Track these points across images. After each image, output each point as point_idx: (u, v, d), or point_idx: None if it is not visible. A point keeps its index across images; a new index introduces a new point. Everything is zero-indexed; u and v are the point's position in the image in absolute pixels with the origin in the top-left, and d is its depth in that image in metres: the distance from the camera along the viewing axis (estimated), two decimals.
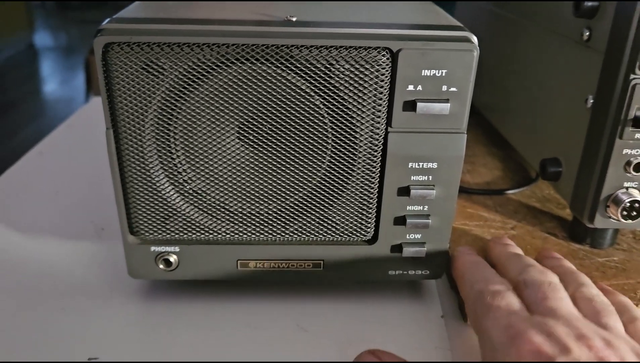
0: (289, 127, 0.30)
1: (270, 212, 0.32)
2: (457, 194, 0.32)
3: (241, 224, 0.33)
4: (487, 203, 0.45)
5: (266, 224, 0.33)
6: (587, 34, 0.36)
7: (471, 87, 0.29)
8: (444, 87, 0.29)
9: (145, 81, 0.29)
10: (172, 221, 0.32)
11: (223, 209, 0.32)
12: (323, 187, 0.32)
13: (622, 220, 0.36)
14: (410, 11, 0.35)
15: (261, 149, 0.31)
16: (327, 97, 0.29)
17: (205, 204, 0.32)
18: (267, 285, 0.36)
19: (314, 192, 0.32)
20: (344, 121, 0.30)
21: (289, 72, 0.29)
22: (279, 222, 0.33)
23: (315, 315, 0.34)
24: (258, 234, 0.33)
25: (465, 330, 0.33)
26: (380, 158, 0.31)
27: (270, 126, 0.30)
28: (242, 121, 0.30)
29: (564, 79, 0.40)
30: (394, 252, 0.33)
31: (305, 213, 0.32)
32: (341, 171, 0.31)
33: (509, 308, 0.27)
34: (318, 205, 0.32)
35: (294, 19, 0.30)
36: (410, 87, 0.29)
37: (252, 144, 0.31)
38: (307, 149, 0.31)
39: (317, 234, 0.33)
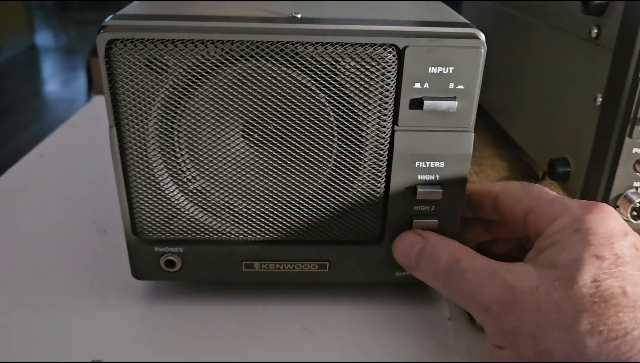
0: (294, 125, 0.30)
1: (276, 212, 0.32)
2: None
3: (246, 225, 0.32)
4: None
5: (271, 225, 0.32)
6: (596, 31, 0.36)
7: (479, 84, 0.29)
8: (451, 85, 0.29)
9: (149, 78, 0.28)
10: (176, 221, 0.32)
11: (227, 209, 0.32)
12: (329, 186, 0.31)
13: (632, 220, 0.35)
14: (417, 8, 0.35)
15: (266, 148, 0.30)
16: (333, 95, 0.29)
17: (209, 204, 0.32)
18: (272, 286, 0.36)
19: (320, 191, 0.31)
20: (350, 119, 0.30)
21: (294, 69, 0.28)
22: (285, 222, 0.32)
23: (321, 317, 0.33)
24: (263, 234, 0.32)
25: (473, 333, 0.33)
26: (386, 157, 0.31)
27: (275, 125, 0.30)
28: (246, 119, 0.30)
29: (572, 77, 0.40)
30: None
31: (310, 212, 0.32)
32: (347, 170, 0.31)
33: None
34: (323, 205, 0.32)
35: (299, 16, 0.30)
36: (417, 85, 0.29)
37: (256, 142, 0.30)
38: (312, 148, 0.30)
39: (322, 234, 0.32)
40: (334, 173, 0.31)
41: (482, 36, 0.29)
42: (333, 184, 0.31)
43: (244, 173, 0.31)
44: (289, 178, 0.31)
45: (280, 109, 0.29)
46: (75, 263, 0.38)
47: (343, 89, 0.29)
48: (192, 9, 0.32)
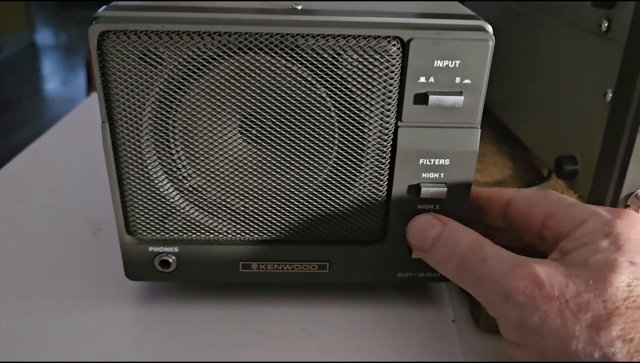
0: (293, 121, 0.29)
1: (274, 211, 0.31)
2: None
3: (243, 224, 0.31)
4: None
5: (269, 224, 0.31)
6: (606, 24, 0.35)
7: (486, 78, 0.28)
8: (458, 79, 0.28)
9: (143, 72, 0.27)
10: (171, 220, 0.31)
11: (224, 208, 0.31)
12: (329, 184, 0.30)
13: None
14: (422, 0, 0.34)
15: (264, 145, 0.29)
16: (334, 89, 0.28)
17: (205, 203, 0.31)
18: (271, 287, 0.35)
19: (320, 190, 0.30)
20: (352, 115, 0.28)
21: (294, 62, 0.27)
22: (283, 221, 0.31)
23: (321, 320, 0.32)
24: (261, 234, 0.31)
25: (478, 335, 0.32)
26: (389, 154, 0.29)
27: (274, 120, 0.29)
28: (244, 114, 0.29)
29: (580, 72, 0.39)
30: (403, 253, 0.32)
31: (310, 211, 0.31)
32: (348, 168, 0.30)
33: None
34: (324, 203, 0.31)
35: (299, 7, 0.29)
36: (422, 79, 0.28)
37: (255, 139, 0.29)
38: (312, 145, 0.29)
39: (323, 234, 0.31)
40: (334, 171, 0.30)
41: (489, 29, 0.28)
42: (334, 182, 0.30)
43: (241, 170, 0.30)
44: (288, 176, 0.30)
45: (279, 104, 0.28)
46: (68, 262, 0.37)
47: (345, 83, 0.28)
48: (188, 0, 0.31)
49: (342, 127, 0.29)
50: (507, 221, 0.31)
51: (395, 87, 0.28)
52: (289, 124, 0.29)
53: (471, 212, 0.32)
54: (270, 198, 0.31)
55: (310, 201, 0.31)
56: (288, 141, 0.29)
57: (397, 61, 0.27)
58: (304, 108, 0.28)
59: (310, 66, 0.27)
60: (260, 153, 0.30)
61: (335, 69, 0.27)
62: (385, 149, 0.29)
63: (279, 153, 0.29)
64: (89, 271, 0.36)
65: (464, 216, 0.31)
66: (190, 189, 0.30)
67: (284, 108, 0.28)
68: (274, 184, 0.30)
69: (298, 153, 0.29)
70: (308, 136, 0.29)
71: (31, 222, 0.42)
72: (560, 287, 0.24)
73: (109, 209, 0.37)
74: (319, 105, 0.28)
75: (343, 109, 0.28)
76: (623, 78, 0.33)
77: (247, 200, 0.31)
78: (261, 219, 0.31)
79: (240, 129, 0.29)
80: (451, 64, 0.27)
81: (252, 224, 0.31)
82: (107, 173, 0.30)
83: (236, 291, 0.34)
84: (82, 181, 0.48)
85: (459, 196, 0.30)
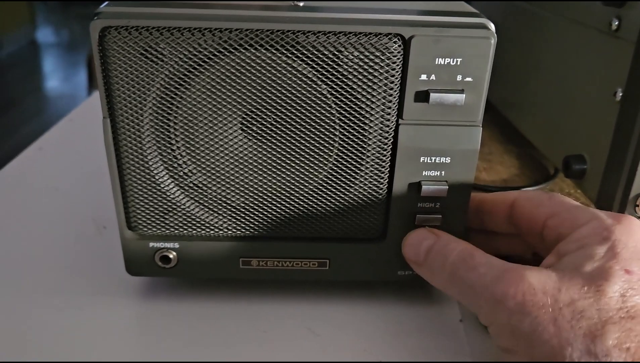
0: (294, 117, 0.29)
1: (275, 207, 0.31)
2: (472, 192, 0.31)
3: (244, 220, 0.31)
4: None
5: (270, 221, 0.31)
6: (616, 23, 0.34)
7: (488, 77, 0.28)
8: (459, 77, 0.28)
9: (144, 68, 0.27)
10: (172, 216, 0.31)
11: (225, 204, 0.31)
12: (330, 181, 0.30)
13: None
14: None
15: (265, 141, 0.29)
16: (335, 86, 0.28)
17: (206, 199, 0.31)
18: (274, 284, 0.35)
19: (321, 187, 0.30)
20: (353, 112, 0.28)
21: (295, 59, 0.27)
22: (284, 218, 0.31)
23: (326, 319, 0.32)
24: (261, 230, 0.31)
25: (485, 335, 0.32)
26: (390, 152, 0.29)
27: (275, 117, 0.29)
28: (245, 111, 0.29)
29: (590, 71, 0.39)
30: None
31: (311, 208, 0.31)
32: (349, 165, 0.30)
33: None
34: (324, 201, 0.31)
35: (301, 4, 0.29)
36: (423, 77, 0.28)
37: (255, 135, 0.29)
38: (313, 141, 0.29)
39: (323, 231, 0.31)
40: (335, 168, 0.30)
41: (492, 26, 0.28)
42: (334, 179, 0.30)
43: (242, 166, 0.30)
44: (289, 173, 0.30)
45: (280, 101, 0.28)
46: (73, 260, 0.37)
47: (346, 80, 0.28)
48: None
49: (343, 125, 0.29)
50: (511, 223, 0.31)
51: (396, 84, 0.28)
52: (290, 121, 0.29)
53: (475, 219, 0.32)
54: (270, 194, 0.31)
55: (311, 198, 0.31)
56: (289, 138, 0.29)
57: (399, 59, 0.27)
58: (305, 105, 0.28)
59: (311, 62, 0.27)
60: (261, 150, 0.30)
61: (336, 66, 0.27)
62: (386, 146, 0.29)
63: (280, 150, 0.29)
64: (94, 269, 0.36)
65: (465, 215, 0.31)
66: (191, 185, 0.30)
67: (285, 105, 0.28)
68: (275, 181, 0.30)
69: (299, 150, 0.29)
70: (309, 133, 0.29)
71: (36, 220, 0.42)
72: (553, 294, 0.24)
73: (114, 208, 0.37)
74: (320, 102, 0.28)
75: (344, 106, 0.28)
76: (633, 77, 0.33)
77: (247, 197, 0.31)
78: (262, 216, 0.31)
79: (241, 125, 0.29)
80: (453, 61, 0.27)
81: (252, 221, 0.31)
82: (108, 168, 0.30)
83: (240, 289, 0.34)
84: (87, 178, 0.48)
85: (459, 194, 0.30)
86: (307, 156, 0.29)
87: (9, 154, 0.56)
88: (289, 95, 0.28)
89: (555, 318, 0.23)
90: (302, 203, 0.31)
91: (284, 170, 0.30)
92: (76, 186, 0.47)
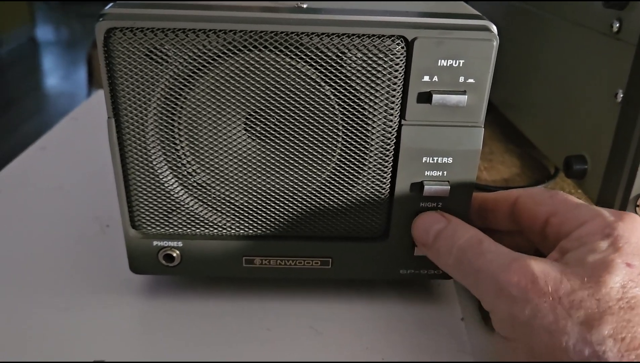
0: (297, 118, 0.29)
1: (278, 207, 0.31)
2: (474, 192, 0.31)
3: (247, 220, 0.31)
4: None
5: (273, 220, 0.31)
6: (617, 25, 0.35)
7: (490, 78, 0.28)
8: (461, 79, 0.28)
9: (149, 68, 0.27)
10: (175, 215, 0.31)
11: (228, 204, 0.31)
12: (333, 181, 0.30)
13: None
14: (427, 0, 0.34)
15: (269, 142, 0.30)
16: (338, 88, 0.28)
17: (209, 198, 0.31)
18: (278, 283, 0.35)
19: (323, 186, 0.31)
20: (356, 113, 0.29)
21: (299, 60, 0.28)
22: (287, 217, 0.31)
23: (329, 317, 0.33)
24: (264, 229, 0.32)
25: (487, 333, 0.32)
26: (392, 152, 0.30)
27: (278, 118, 0.29)
28: (249, 111, 0.29)
29: (591, 73, 0.39)
30: (406, 250, 0.32)
31: (313, 208, 0.31)
32: (352, 165, 0.30)
33: None
34: (327, 200, 0.31)
35: (305, 6, 0.29)
36: (426, 78, 0.28)
37: (259, 136, 0.29)
38: (316, 142, 0.29)
39: (325, 230, 0.32)
40: (338, 168, 0.30)
41: (494, 28, 0.28)
42: (337, 179, 0.30)
43: (245, 166, 0.30)
44: (292, 172, 0.30)
45: (283, 102, 0.28)
46: (77, 259, 0.37)
47: (349, 81, 0.28)
48: None
49: (346, 125, 0.29)
50: (514, 221, 0.31)
51: (399, 86, 0.28)
52: (293, 121, 0.29)
53: (478, 217, 0.33)
54: (273, 194, 0.31)
55: (314, 197, 0.31)
56: (292, 139, 0.29)
57: (401, 60, 0.28)
58: (308, 106, 0.28)
59: (314, 64, 0.28)
60: (264, 150, 0.30)
61: (339, 68, 0.28)
62: (388, 147, 0.29)
63: (283, 150, 0.30)
64: (98, 268, 0.36)
65: (467, 215, 0.31)
66: (195, 185, 0.31)
67: (288, 106, 0.28)
68: (278, 181, 0.30)
69: (302, 150, 0.30)
70: (312, 133, 0.29)
71: (39, 218, 0.42)
72: (554, 283, 0.24)
73: (117, 205, 0.37)
74: (323, 103, 0.28)
75: (347, 107, 0.29)
76: (634, 79, 0.33)
77: (251, 196, 0.31)
78: (265, 215, 0.31)
79: (245, 126, 0.29)
80: (455, 63, 0.28)
81: (255, 220, 0.31)
82: (111, 167, 0.30)
83: (243, 287, 0.34)
84: (90, 177, 0.48)
85: (461, 194, 0.31)
86: (310, 156, 0.30)
87: (8, 153, 0.56)
88: (293, 96, 0.28)
89: (555, 306, 0.24)
90: (304, 203, 0.31)
91: (287, 170, 0.30)
92: (79, 185, 0.47)
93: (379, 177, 0.30)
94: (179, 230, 0.32)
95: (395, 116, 0.29)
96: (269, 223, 0.31)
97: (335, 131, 0.29)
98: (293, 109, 0.29)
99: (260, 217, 0.31)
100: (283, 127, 0.29)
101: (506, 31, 0.53)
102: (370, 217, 0.31)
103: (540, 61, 0.48)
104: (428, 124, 0.29)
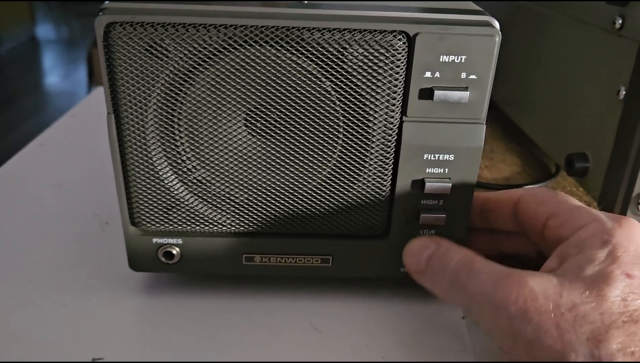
0: (298, 114, 0.29)
1: (278, 204, 0.31)
2: (475, 189, 0.31)
3: (247, 217, 0.31)
4: None
5: (273, 217, 0.31)
6: (620, 22, 0.35)
7: (492, 74, 0.28)
8: (463, 75, 0.28)
9: (149, 63, 0.27)
10: (175, 212, 0.31)
11: (228, 201, 0.31)
12: (333, 178, 0.30)
13: None
14: None
15: (269, 138, 0.29)
16: (339, 83, 0.28)
17: (209, 195, 0.31)
18: (278, 281, 0.35)
19: (324, 183, 0.30)
20: (357, 109, 0.28)
21: (299, 56, 0.27)
22: (287, 215, 0.31)
23: (329, 315, 0.32)
24: (264, 227, 0.31)
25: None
26: (394, 149, 0.29)
27: (278, 113, 0.29)
28: (249, 107, 0.29)
29: (593, 70, 0.39)
30: None
31: (314, 205, 0.31)
32: (353, 162, 0.30)
33: None
34: (328, 197, 0.31)
35: (305, 1, 0.29)
36: (428, 74, 0.28)
37: (259, 132, 0.29)
38: (317, 138, 0.29)
39: (326, 227, 0.31)
40: (339, 165, 0.30)
41: (496, 24, 0.28)
42: (338, 176, 0.30)
43: (246, 163, 0.30)
44: (292, 169, 0.30)
45: (284, 98, 0.28)
46: (76, 256, 0.37)
47: (350, 77, 0.28)
48: None
49: (346, 121, 0.29)
50: (516, 221, 0.31)
51: (400, 81, 0.28)
52: (293, 117, 0.29)
53: (480, 218, 0.32)
54: (274, 191, 0.31)
55: (314, 194, 0.31)
56: (293, 135, 0.29)
57: (403, 56, 0.27)
58: (309, 102, 0.28)
59: (315, 59, 0.27)
60: (264, 146, 0.30)
61: (340, 63, 0.27)
62: (389, 143, 0.29)
63: (283, 146, 0.29)
64: (97, 265, 0.36)
65: (468, 213, 0.31)
66: (195, 181, 0.30)
67: (289, 101, 0.28)
68: (278, 178, 0.30)
69: (302, 147, 0.29)
70: (313, 129, 0.29)
71: (39, 216, 0.42)
72: (554, 298, 0.24)
73: (116, 202, 0.37)
74: (324, 99, 0.28)
75: (348, 103, 0.28)
76: (637, 76, 0.33)
77: (251, 193, 0.31)
78: (265, 212, 0.31)
79: (245, 122, 0.29)
80: (457, 59, 0.27)
81: (255, 217, 0.31)
82: (110, 164, 0.30)
83: (243, 285, 0.34)
84: (89, 174, 0.48)
85: (463, 191, 0.30)
86: (311, 153, 0.30)
87: (8, 151, 0.56)
88: (293, 92, 0.28)
89: (558, 323, 0.23)
90: (305, 200, 0.31)
91: (288, 167, 0.30)
92: (78, 182, 0.47)
93: (380, 174, 0.30)
94: (179, 227, 0.31)
95: (397, 112, 0.29)
96: (269, 220, 0.31)
97: (336, 127, 0.29)
98: (294, 105, 0.28)
99: (260, 214, 0.31)
100: (284, 123, 0.29)
101: (508, 28, 0.53)
102: (371, 215, 0.31)
103: (542, 58, 0.47)
104: (430, 120, 0.29)
